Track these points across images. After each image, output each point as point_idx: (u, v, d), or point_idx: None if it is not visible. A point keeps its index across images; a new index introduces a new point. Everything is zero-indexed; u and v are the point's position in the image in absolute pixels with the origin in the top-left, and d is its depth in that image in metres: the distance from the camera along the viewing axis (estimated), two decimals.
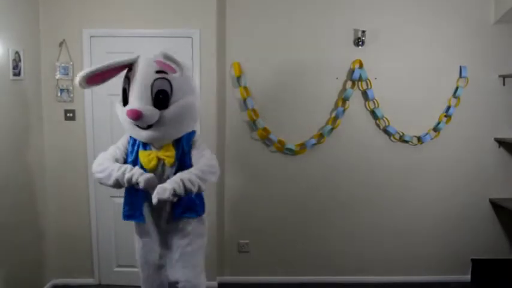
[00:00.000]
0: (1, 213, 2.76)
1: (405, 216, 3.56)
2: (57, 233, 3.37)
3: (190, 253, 2.32)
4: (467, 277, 3.63)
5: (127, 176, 2.02)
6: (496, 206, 3.53)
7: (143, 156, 2.15)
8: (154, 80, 2.03)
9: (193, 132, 2.28)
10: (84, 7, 3.17)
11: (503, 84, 3.45)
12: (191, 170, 2.10)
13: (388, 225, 3.56)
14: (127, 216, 2.29)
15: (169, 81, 2.05)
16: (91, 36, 3.20)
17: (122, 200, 3.26)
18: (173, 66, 1.99)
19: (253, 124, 3.39)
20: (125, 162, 2.22)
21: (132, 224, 2.43)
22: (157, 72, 2.05)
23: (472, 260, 3.62)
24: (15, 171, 2.93)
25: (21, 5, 2.97)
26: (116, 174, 2.05)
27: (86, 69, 2.01)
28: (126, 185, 2.04)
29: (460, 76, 3.41)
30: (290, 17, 3.36)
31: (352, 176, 3.50)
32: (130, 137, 2.25)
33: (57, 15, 3.17)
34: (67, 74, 3.21)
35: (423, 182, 3.52)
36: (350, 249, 3.58)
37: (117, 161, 2.19)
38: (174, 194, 1.96)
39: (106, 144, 3.27)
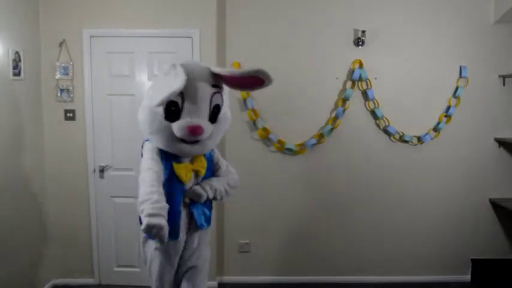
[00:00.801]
0: (1, 213, 2.76)
1: (405, 216, 3.56)
2: (57, 233, 3.37)
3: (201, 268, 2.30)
4: (467, 277, 3.63)
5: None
6: (496, 206, 3.53)
7: (180, 169, 2.03)
8: (213, 95, 1.96)
9: None
10: (84, 7, 3.17)
11: (503, 84, 3.45)
12: (225, 180, 2.18)
13: (388, 225, 3.56)
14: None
15: (221, 95, 2.02)
16: (91, 36, 3.20)
17: (121, 200, 3.31)
18: (266, 81, 1.91)
19: (253, 124, 3.39)
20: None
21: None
22: (213, 86, 1.97)
23: (472, 260, 3.62)
24: (15, 171, 2.93)
25: (21, 5, 2.97)
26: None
27: (167, 94, 1.81)
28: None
29: (460, 76, 3.41)
30: (290, 17, 3.36)
31: (352, 176, 3.50)
32: (160, 152, 2.04)
33: (57, 15, 3.18)
34: (67, 74, 3.21)
35: (423, 182, 3.52)
36: (350, 249, 3.58)
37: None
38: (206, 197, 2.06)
39: (106, 144, 3.30)
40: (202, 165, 2.10)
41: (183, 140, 1.94)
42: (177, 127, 1.93)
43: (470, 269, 3.63)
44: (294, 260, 3.58)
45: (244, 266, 3.57)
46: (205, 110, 1.94)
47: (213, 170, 2.21)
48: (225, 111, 2.06)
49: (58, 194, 3.33)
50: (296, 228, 3.56)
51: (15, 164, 2.93)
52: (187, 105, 1.91)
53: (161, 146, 2.01)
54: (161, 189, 1.89)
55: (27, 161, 3.06)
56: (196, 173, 2.09)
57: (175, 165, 2.02)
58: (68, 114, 3.27)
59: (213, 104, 1.96)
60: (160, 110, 1.92)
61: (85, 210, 3.35)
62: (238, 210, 3.51)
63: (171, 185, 2.01)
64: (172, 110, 1.91)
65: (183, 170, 2.02)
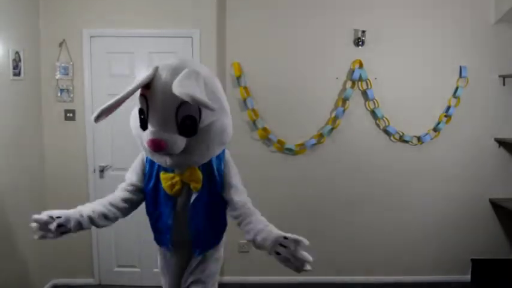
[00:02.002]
0: (1, 214, 2.76)
1: (405, 216, 3.55)
2: None
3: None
4: (467, 277, 3.63)
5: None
6: (496, 206, 3.53)
7: (165, 179, 1.79)
8: (180, 105, 1.57)
9: (223, 151, 1.92)
10: (84, 7, 3.17)
11: (503, 84, 3.45)
12: (266, 226, 1.86)
13: (388, 225, 3.56)
14: (156, 240, 2.03)
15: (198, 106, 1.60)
16: (91, 36, 3.20)
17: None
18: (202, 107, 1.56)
19: (253, 124, 3.39)
20: (144, 187, 1.93)
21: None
22: None
23: (472, 260, 3.62)
24: (15, 171, 2.93)
25: (21, 5, 2.98)
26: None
27: (101, 108, 1.57)
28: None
29: (460, 76, 3.41)
30: (290, 17, 3.36)
31: (352, 176, 3.50)
32: (148, 159, 1.89)
33: (57, 15, 3.18)
34: (67, 74, 3.21)
35: (423, 181, 3.52)
36: (350, 249, 3.58)
37: (133, 186, 1.92)
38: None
39: (106, 144, 3.30)
40: (194, 179, 1.77)
41: None
42: (137, 132, 1.73)
43: (470, 269, 3.63)
44: None
45: (244, 266, 3.57)
46: (170, 122, 1.59)
47: (220, 187, 1.88)
48: (217, 120, 1.67)
49: (58, 194, 3.33)
50: (296, 228, 3.53)
51: (15, 164, 2.93)
52: (151, 115, 1.62)
53: (148, 156, 1.81)
54: (106, 201, 1.85)
55: (27, 161, 3.06)
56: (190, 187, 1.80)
57: (161, 173, 1.80)
58: (68, 114, 3.27)
59: (181, 115, 1.58)
60: (137, 116, 1.70)
61: None
62: None
63: (158, 194, 1.85)
64: (141, 118, 1.67)
65: (169, 181, 1.78)
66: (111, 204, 1.84)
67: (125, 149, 3.25)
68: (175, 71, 1.55)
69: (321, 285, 3.54)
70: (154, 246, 2.08)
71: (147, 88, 1.61)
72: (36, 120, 3.20)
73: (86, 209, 1.78)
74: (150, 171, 1.88)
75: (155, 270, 3.32)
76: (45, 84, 3.23)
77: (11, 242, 2.87)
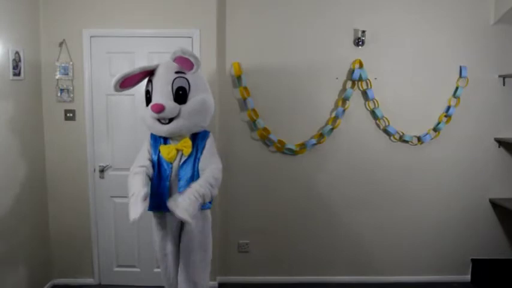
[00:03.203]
0: (1, 214, 2.76)
1: (405, 216, 3.56)
2: (57, 233, 3.37)
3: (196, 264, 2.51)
4: (467, 277, 3.63)
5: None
6: (496, 206, 3.53)
7: (163, 149, 2.41)
8: (174, 79, 2.32)
9: (208, 132, 2.53)
10: (84, 7, 3.17)
11: (503, 84, 3.45)
12: (202, 183, 2.28)
13: (388, 225, 3.56)
14: (154, 207, 2.46)
15: (187, 79, 2.35)
16: (91, 36, 3.20)
17: (121, 200, 3.31)
18: (191, 59, 2.21)
19: (253, 124, 3.39)
20: (152, 161, 2.49)
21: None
22: (176, 72, 2.34)
23: (472, 260, 3.62)
24: (15, 171, 2.93)
25: (21, 5, 2.97)
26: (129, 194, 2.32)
27: (118, 75, 2.33)
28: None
29: (460, 76, 3.41)
30: (290, 17, 3.36)
31: (352, 176, 3.50)
32: (152, 137, 2.51)
33: (57, 15, 3.18)
34: (67, 74, 3.21)
35: (423, 182, 3.52)
36: (350, 249, 3.58)
37: (147, 161, 2.49)
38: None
39: (106, 144, 3.31)
40: (185, 145, 2.40)
41: (158, 121, 2.33)
42: (144, 110, 2.41)
43: (470, 269, 3.63)
44: (294, 260, 3.58)
45: (244, 266, 3.57)
46: (167, 92, 2.31)
47: (200, 156, 2.44)
48: (199, 95, 2.38)
49: (58, 194, 3.33)
50: (296, 228, 3.56)
51: (15, 164, 2.93)
52: (153, 90, 2.35)
53: (151, 130, 2.44)
54: (144, 176, 2.38)
55: (27, 161, 3.07)
56: (182, 152, 2.41)
57: (161, 146, 2.44)
58: (68, 114, 3.27)
59: (175, 86, 2.32)
60: (143, 100, 2.45)
61: (85, 210, 3.35)
62: (238, 210, 3.51)
63: (160, 163, 2.44)
64: (147, 97, 2.40)
65: (166, 150, 2.40)
66: (149, 177, 2.44)
67: (125, 149, 3.26)
68: (174, 54, 2.24)
69: (321, 285, 3.54)
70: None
71: (152, 75, 2.41)
72: (36, 120, 3.20)
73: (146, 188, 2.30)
74: (154, 148, 2.48)
75: (155, 270, 3.35)
76: (45, 84, 3.23)
77: (11, 242, 2.87)
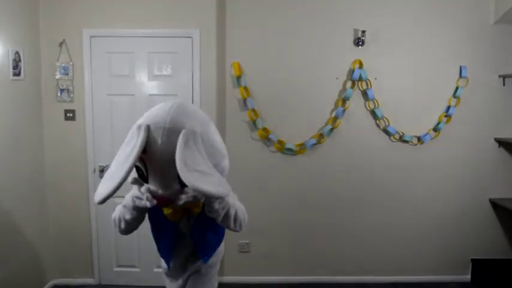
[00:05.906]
0: (1, 214, 2.76)
1: (405, 216, 3.56)
2: (57, 233, 3.37)
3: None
4: (467, 277, 3.63)
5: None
6: (496, 206, 3.53)
7: (167, 208, 1.80)
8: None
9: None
10: (84, 7, 3.17)
11: (503, 84, 3.45)
12: (235, 203, 1.84)
13: (388, 225, 3.56)
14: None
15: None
16: (91, 36, 3.20)
17: (121, 200, 3.30)
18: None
19: (253, 124, 3.39)
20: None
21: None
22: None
23: (472, 260, 3.62)
24: (15, 171, 2.93)
25: (21, 5, 2.97)
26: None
27: (103, 195, 1.51)
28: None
29: (460, 76, 3.41)
30: (290, 17, 3.36)
31: (352, 176, 3.50)
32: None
33: (57, 15, 3.18)
34: (67, 74, 3.21)
35: (423, 182, 3.52)
36: (350, 249, 3.58)
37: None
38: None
39: (106, 144, 3.30)
40: (196, 205, 1.76)
41: None
42: (137, 190, 1.69)
43: (470, 269, 3.63)
44: (294, 260, 3.58)
45: (244, 266, 3.57)
46: (173, 182, 1.56)
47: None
48: (215, 164, 1.58)
49: (58, 194, 3.33)
50: (296, 228, 3.56)
51: (15, 164, 2.93)
52: (151, 176, 1.62)
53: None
54: None
55: (27, 161, 3.06)
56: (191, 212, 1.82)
57: (164, 209, 1.81)
58: (68, 114, 3.27)
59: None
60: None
61: (85, 210, 3.35)
62: None
63: (161, 220, 1.87)
64: (139, 173, 1.65)
65: (170, 209, 1.77)
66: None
67: None
68: (170, 133, 1.49)
69: (320, 285, 3.54)
70: (154, 248, 2.08)
71: (143, 152, 1.57)
72: (36, 120, 3.20)
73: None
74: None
75: (155, 270, 3.34)
76: (45, 84, 3.23)
77: (11, 242, 2.87)
